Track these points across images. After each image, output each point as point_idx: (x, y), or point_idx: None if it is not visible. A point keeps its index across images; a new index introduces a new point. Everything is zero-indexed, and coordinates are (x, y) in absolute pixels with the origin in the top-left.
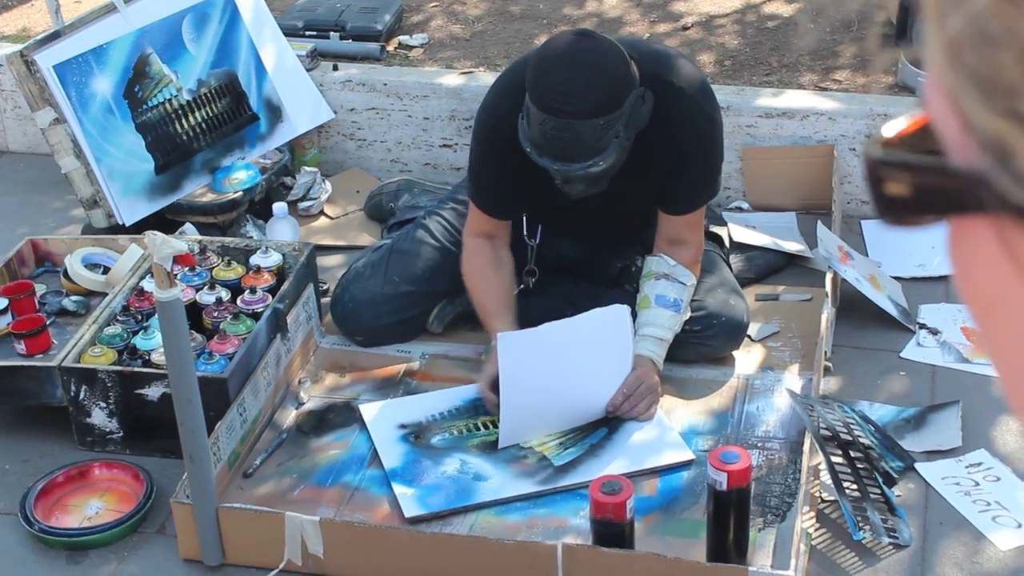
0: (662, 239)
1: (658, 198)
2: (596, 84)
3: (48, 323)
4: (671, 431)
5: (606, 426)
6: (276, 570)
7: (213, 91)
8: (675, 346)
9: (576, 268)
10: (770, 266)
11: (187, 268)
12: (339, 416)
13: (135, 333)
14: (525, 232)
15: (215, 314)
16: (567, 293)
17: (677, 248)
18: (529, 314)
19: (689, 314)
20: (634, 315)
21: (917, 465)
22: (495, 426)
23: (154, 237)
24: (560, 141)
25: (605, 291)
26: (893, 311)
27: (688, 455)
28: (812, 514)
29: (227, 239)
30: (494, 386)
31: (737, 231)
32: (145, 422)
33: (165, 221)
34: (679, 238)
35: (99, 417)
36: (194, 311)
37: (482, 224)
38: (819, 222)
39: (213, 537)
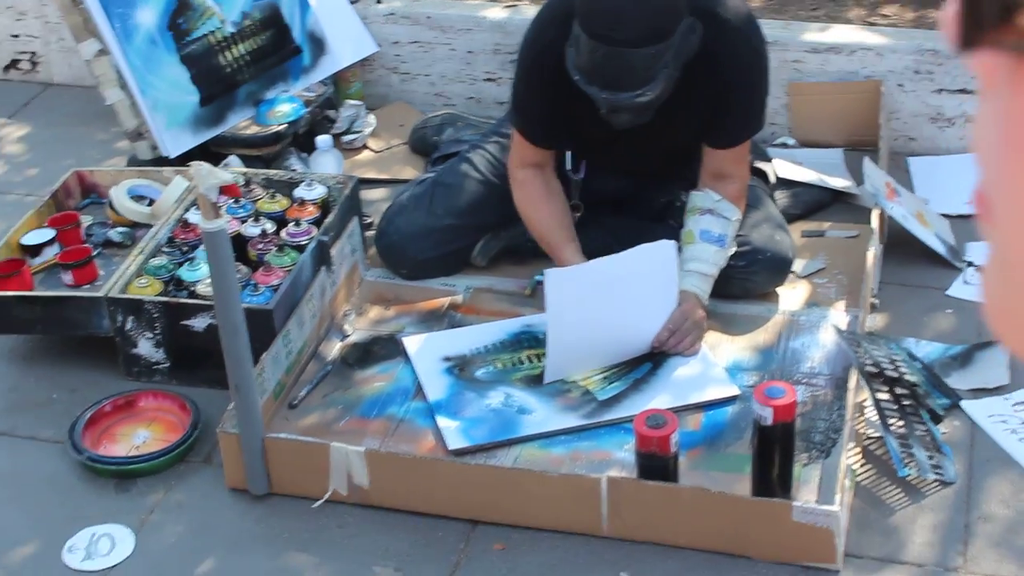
0: (707, 173)
1: (703, 131)
2: (648, 13)
3: (94, 254)
4: (716, 366)
5: (651, 361)
6: (321, 500)
7: (256, 23)
8: (720, 281)
9: (621, 203)
10: (816, 202)
11: (232, 200)
12: (384, 348)
13: (180, 264)
14: (569, 166)
15: (260, 246)
16: (612, 228)
17: (722, 182)
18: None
19: (734, 249)
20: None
21: (963, 403)
22: (539, 360)
23: (200, 168)
24: (610, 69)
25: (650, 226)
26: (940, 248)
27: (732, 390)
28: (857, 450)
29: (271, 171)
30: None
31: (783, 167)
32: (191, 353)
33: (209, 153)
34: (724, 172)
35: (145, 347)
36: (239, 243)
37: (528, 154)
38: (866, 158)
39: (259, 467)
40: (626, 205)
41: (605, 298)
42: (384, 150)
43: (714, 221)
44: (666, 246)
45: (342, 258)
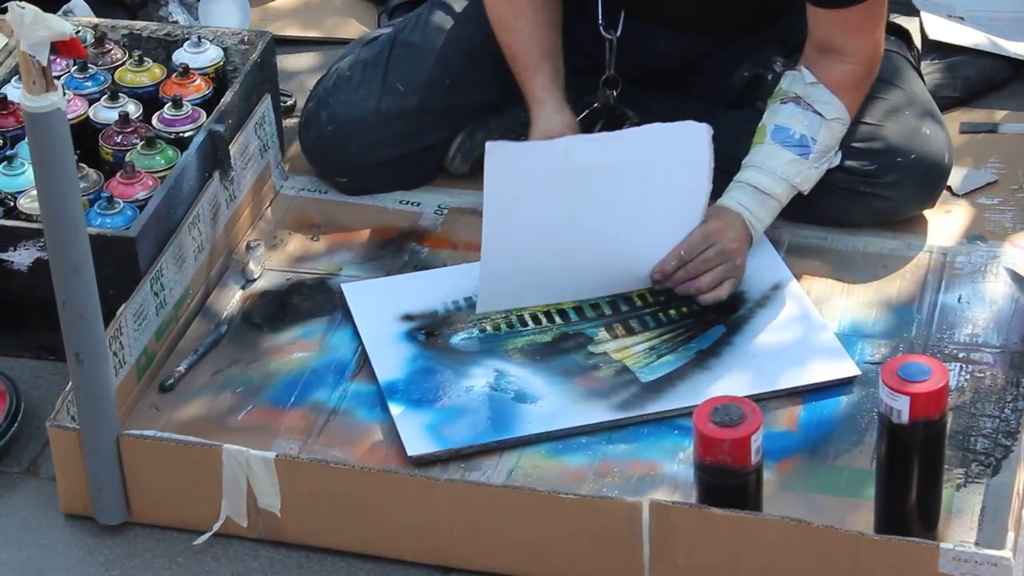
0: (811, 44)
1: None
2: None
3: None
4: (823, 330)
5: (723, 324)
6: (208, 534)
7: None
8: (833, 197)
9: (679, 76)
10: (986, 78)
11: (74, 65)
12: (309, 301)
13: None
14: (600, 18)
15: (118, 139)
16: (664, 113)
17: (827, 60)
18: None
19: (827, 165)
20: None
21: None
22: (549, 320)
23: (22, 12)
24: None
25: (724, 112)
26: None
27: (849, 368)
28: None
29: (138, 23)
30: None
31: (935, 24)
32: (8, 304)
33: None
34: (831, 44)
35: None
36: (85, 134)
37: None
38: None
39: (112, 482)
40: (687, 80)
41: (585, 196)
42: None
43: (798, 115)
44: (694, 130)
45: (246, 159)
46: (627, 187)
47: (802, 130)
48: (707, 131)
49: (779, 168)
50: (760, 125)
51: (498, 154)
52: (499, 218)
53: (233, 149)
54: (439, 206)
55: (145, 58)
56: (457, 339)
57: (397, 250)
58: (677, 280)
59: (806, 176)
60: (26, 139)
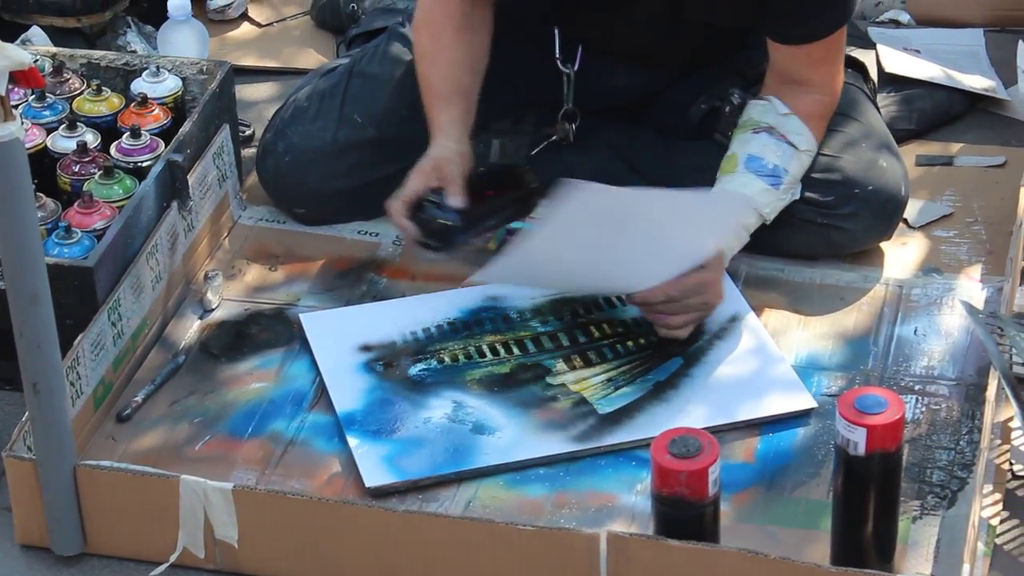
0: (773, 75)
1: (756, 10)
2: None
3: None
4: (780, 363)
5: (680, 356)
6: (164, 566)
7: None
8: (790, 228)
9: (637, 108)
10: (941, 111)
11: (32, 94)
12: (267, 331)
13: None
14: (558, 53)
15: (76, 168)
16: (622, 146)
17: (793, 91)
18: (566, 175)
19: (793, 196)
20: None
21: None
22: (508, 351)
23: None
24: None
25: (682, 145)
26: None
27: (806, 401)
28: (997, 497)
29: (96, 53)
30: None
31: (891, 57)
32: None
33: (1, 23)
34: (796, 77)
35: None
36: (43, 163)
37: None
38: (1022, 42)
39: (68, 513)
40: (645, 112)
41: (616, 233)
42: (273, 23)
43: (771, 145)
44: (738, 200)
45: (204, 189)
46: (656, 233)
47: (776, 160)
48: (749, 202)
49: (753, 198)
50: (730, 154)
51: (579, 193)
52: (544, 241)
53: (191, 179)
54: (398, 236)
55: (103, 87)
56: (415, 370)
57: (355, 280)
58: (655, 311)
59: (774, 207)
60: None
